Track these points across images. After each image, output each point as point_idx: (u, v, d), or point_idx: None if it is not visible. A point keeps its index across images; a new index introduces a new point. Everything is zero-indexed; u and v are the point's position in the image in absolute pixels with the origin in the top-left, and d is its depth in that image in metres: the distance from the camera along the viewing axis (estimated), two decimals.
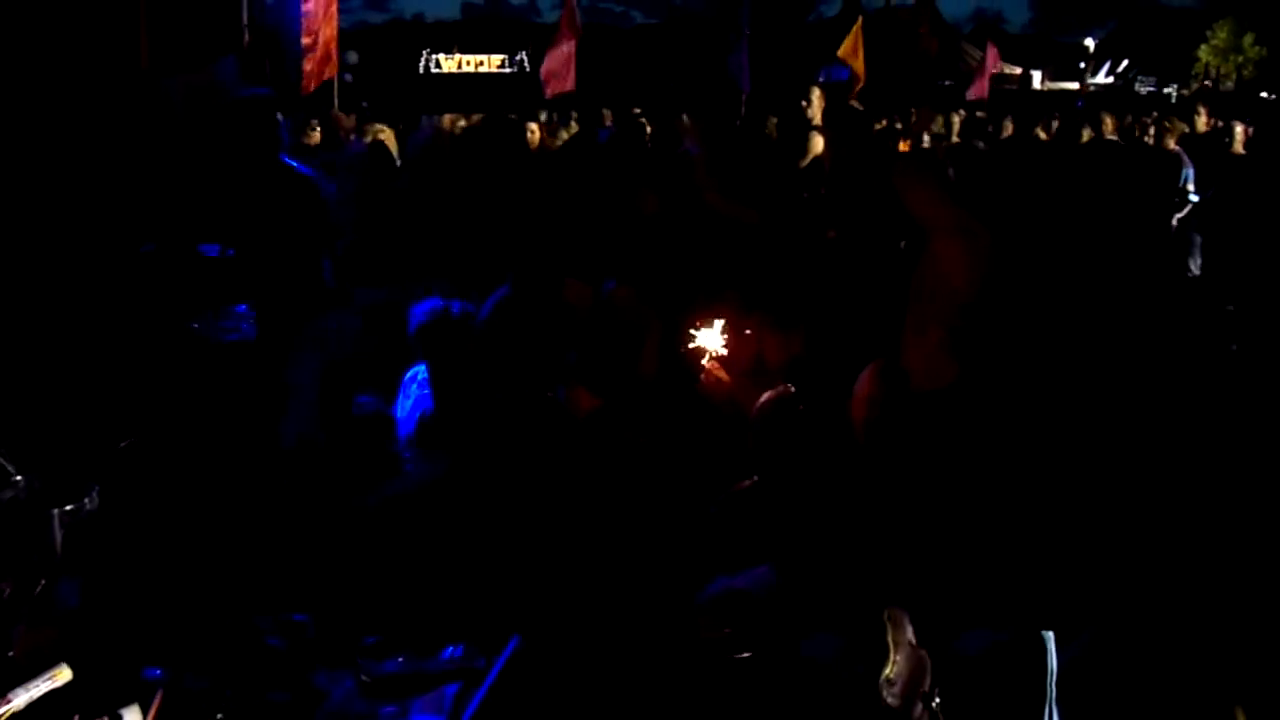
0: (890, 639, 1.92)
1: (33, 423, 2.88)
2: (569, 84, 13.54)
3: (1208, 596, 2.30)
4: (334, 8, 11.51)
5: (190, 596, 2.51)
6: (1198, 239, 8.51)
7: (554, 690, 2.32)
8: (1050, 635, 2.01)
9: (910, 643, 1.96)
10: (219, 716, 2.22)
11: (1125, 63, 37.39)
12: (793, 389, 3.17)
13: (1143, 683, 2.03)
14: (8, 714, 2.23)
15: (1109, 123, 12.70)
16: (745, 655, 2.14)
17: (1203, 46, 34.69)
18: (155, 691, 2.28)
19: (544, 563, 2.75)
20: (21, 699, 2.25)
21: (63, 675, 2.32)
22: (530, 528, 2.91)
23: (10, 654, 2.39)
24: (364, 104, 15.00)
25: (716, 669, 2.16)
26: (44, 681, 2.29)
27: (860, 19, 14.46)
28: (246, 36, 10.15)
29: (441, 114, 14.51)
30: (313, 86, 11.31)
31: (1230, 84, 33.38)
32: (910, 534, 2.48)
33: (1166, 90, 35.24)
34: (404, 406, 4.19)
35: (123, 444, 2.82)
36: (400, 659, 2.38)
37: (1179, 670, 2.05)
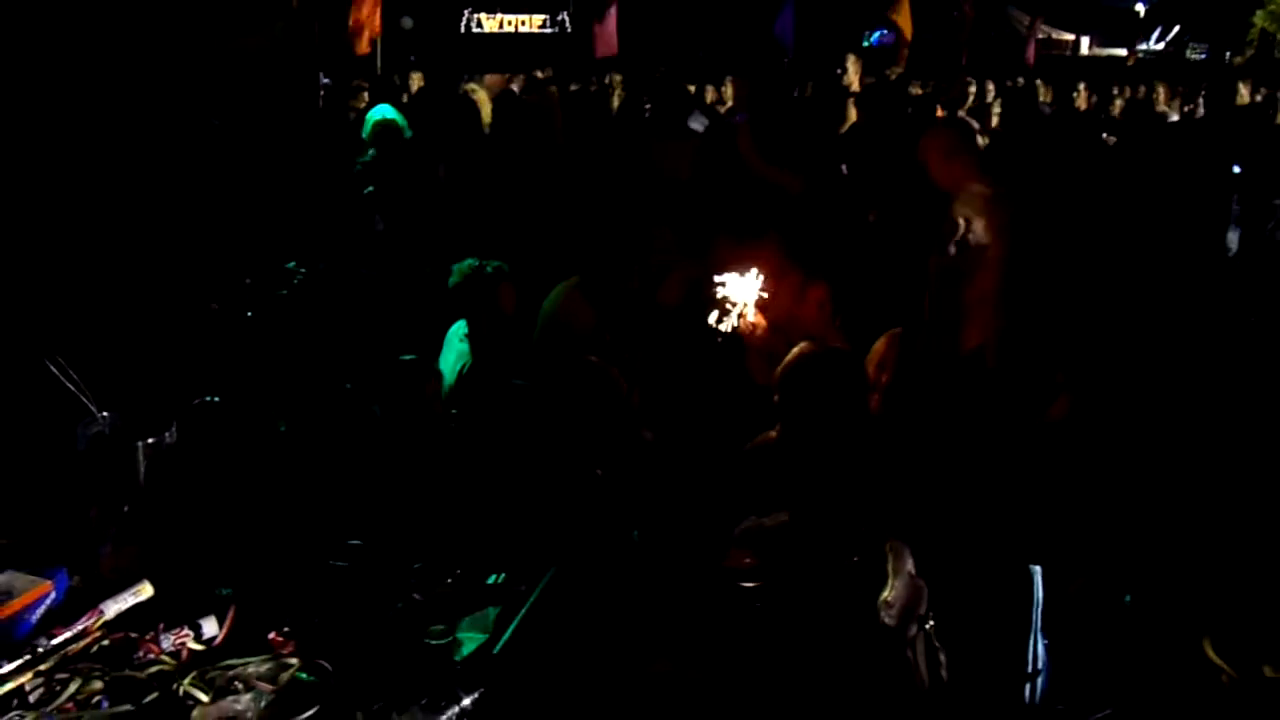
0: (890, 567, 2.13)
1: (116, 365, 3.13)
2: (613, 47, 13.57)
3: (1185, 540, 2.48)
4: None
5: (261, 522, 2.77)
6: (1236, 210, 8.52)
7: (586, 613, 2.56)
8: (1037, 569, 2.21)
9: (910, 572, 2.16)
10: (285, 629, 2.47)
11: (1177, 28, 36.60)
12: (817, 346, 3.35)
13: (1120, 616, 2.23)
14: (99, 623, 2.50)
15: (1161, 92, 12.60)
16: (763, 583, 2.35)
17: (1258, 12, 33.90)
18: (229, 605, 2.54)
19: (578, 500, 2.98)
20: (111, 610, 2.52)
21: (145, 590, 2.60)
22: (564, 470, 3.13)
23: (98, 570, 2.67)
24: (411, 58, 15.11)
25: (738, 596, 2.38)
26: (129, 595, 2.57)
27: None
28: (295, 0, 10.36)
29: (483, 74, 14.63)
30: (365, 48, 11.51)
31: None
32: (916, 480, 2.67)
33: (1224, 57, 34.53)
34: (447, 360, 4.43)
35: (200, 395, 3.07)
36: (449, 581, 2.63)
37: (1153, 605, 2.24)
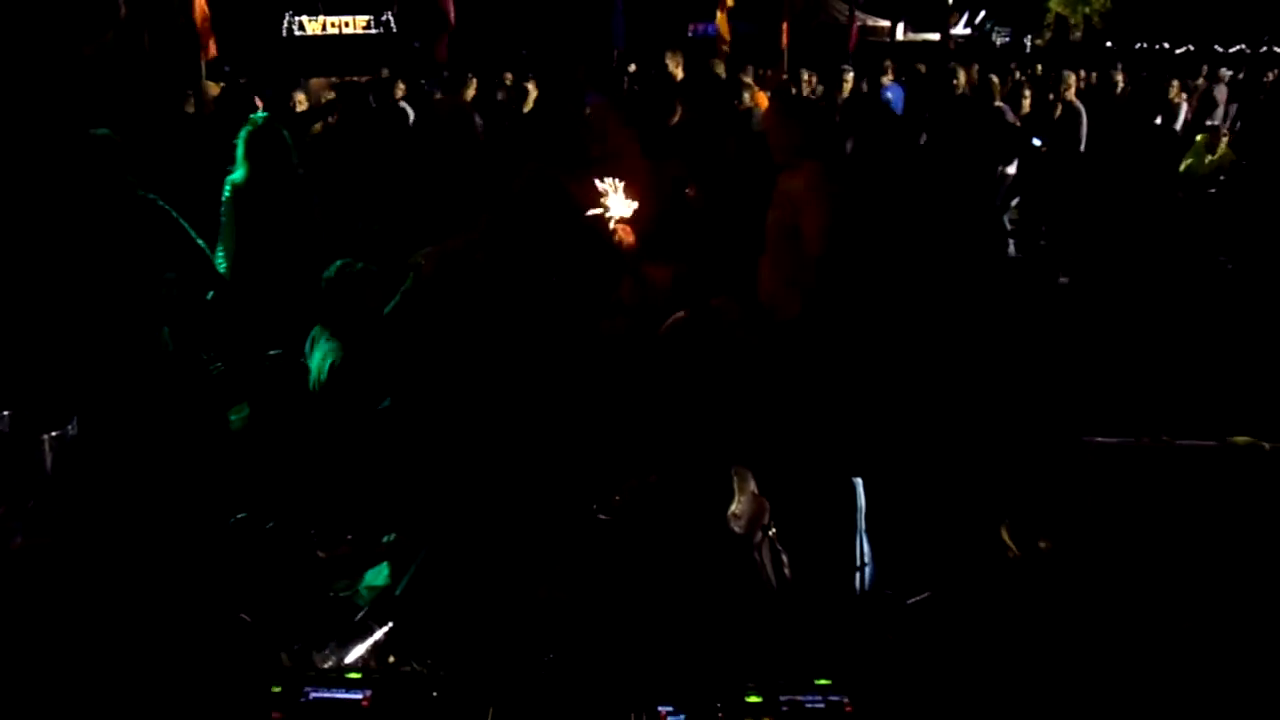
0: (736, 486, 2.51)
1: (14, 364, 3.26)
2: (443, 52, 13.70)
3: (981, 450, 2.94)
4: None
5: (169, 504, 2.97)
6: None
7: (472, 563, 2.86)
8: (859, 480, 2.63)
9: (753, 491, 2.54)
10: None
11: (983, 13, 38.58)
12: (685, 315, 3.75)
13: (923, 510, 2.66)
14: None
15: (962, 77, 13.46)
16: (633, 515, 2.70)
17: None
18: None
19: (462, 465, 3.28)
20: None
21: None
22: (447, 440, 3.42)
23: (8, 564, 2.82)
24: (226, 69, 14.81)
25: (605, 526, 2.72)
26: None
27: None
28: (123, 9, 10.18)
29: (307, 78, 14.50)
30: (214, 52, 11.34)
31: (1079, 34, 34.88)
32: (757, 415, 3.06)
33: (1024, 40, 36.58)
34: (313, 357, 4.65)
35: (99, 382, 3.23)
36: (348, 540, 2.89)
37: (955, 501, 2.68)
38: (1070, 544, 2.38)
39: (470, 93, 9.99)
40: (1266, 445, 2.11)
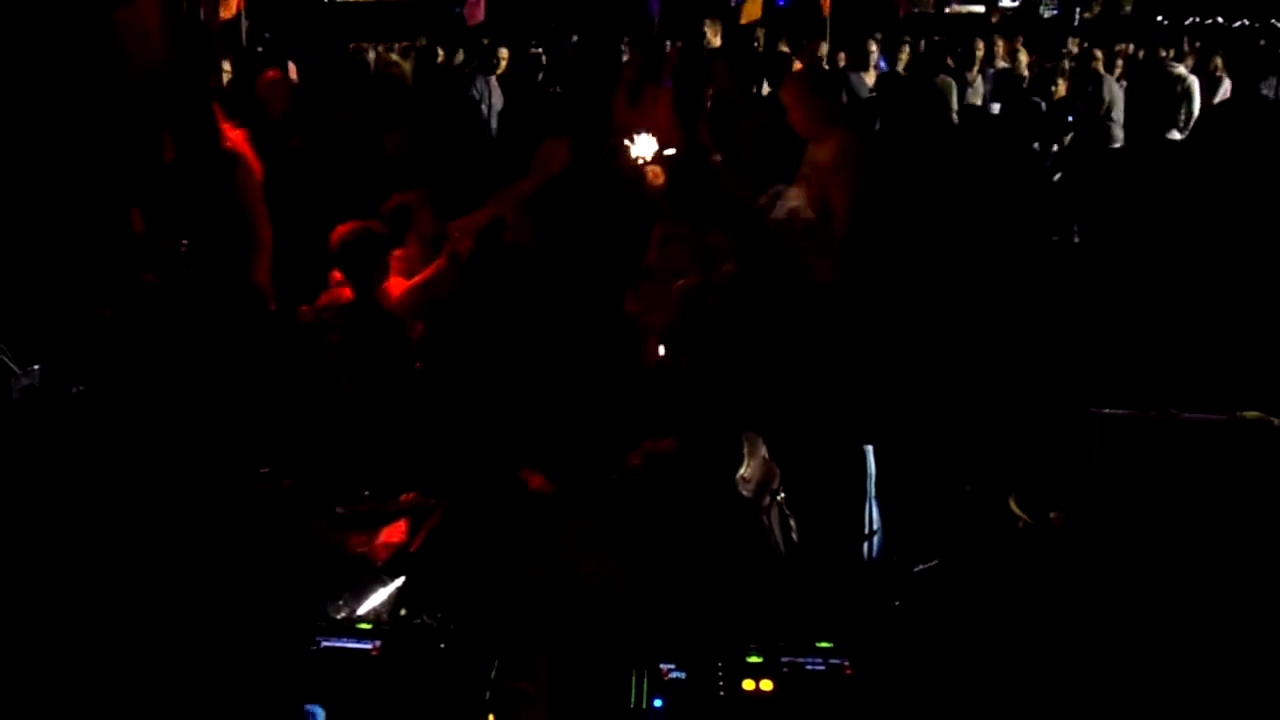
0: (746, 451, 2.53)
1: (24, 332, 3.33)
2: (479, 14, 13.66)
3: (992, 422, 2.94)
4: None
5: (191, 458, 3.04)
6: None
7: (487, 523, 2.91)
8: (869, 447, 2.64)
9: (763, 455, 2.57)
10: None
11: None
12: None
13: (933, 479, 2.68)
14: None
15: (1001, 46, 13.28)
16: (647, 478, 2.73)
17: None
18: None
19: (478, 425, 3.33)
20: None
21: None
22: (469, 402, 3.47)
23: None
24: (266, 35, 14.84)
25: (616, 491, 2.76)
26: None
27: None
28: None
29: (347, 43, 14.51)
30: (231, 12, 11.38)
31: (1129, 8, 34.22)
32: (776, 380, 3.07)
33: (1075, 12, 35.95)
34: None
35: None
36: (366, 496, 2.95)
37: (965, 470, 2.69)
38: (1079, 515, 2.39)
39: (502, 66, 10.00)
40: (1276, 421, 2.10)
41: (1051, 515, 2.50)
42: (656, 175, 4.66)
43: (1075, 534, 2.42)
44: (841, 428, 2.74)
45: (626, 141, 4.75)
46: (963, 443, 2.83)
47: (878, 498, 2.66)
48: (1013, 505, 2.60)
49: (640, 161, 4.67)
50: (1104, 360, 3.11)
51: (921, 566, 2.58)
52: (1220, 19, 30.47)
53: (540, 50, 10.07)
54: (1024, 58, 11.89)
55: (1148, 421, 2.14)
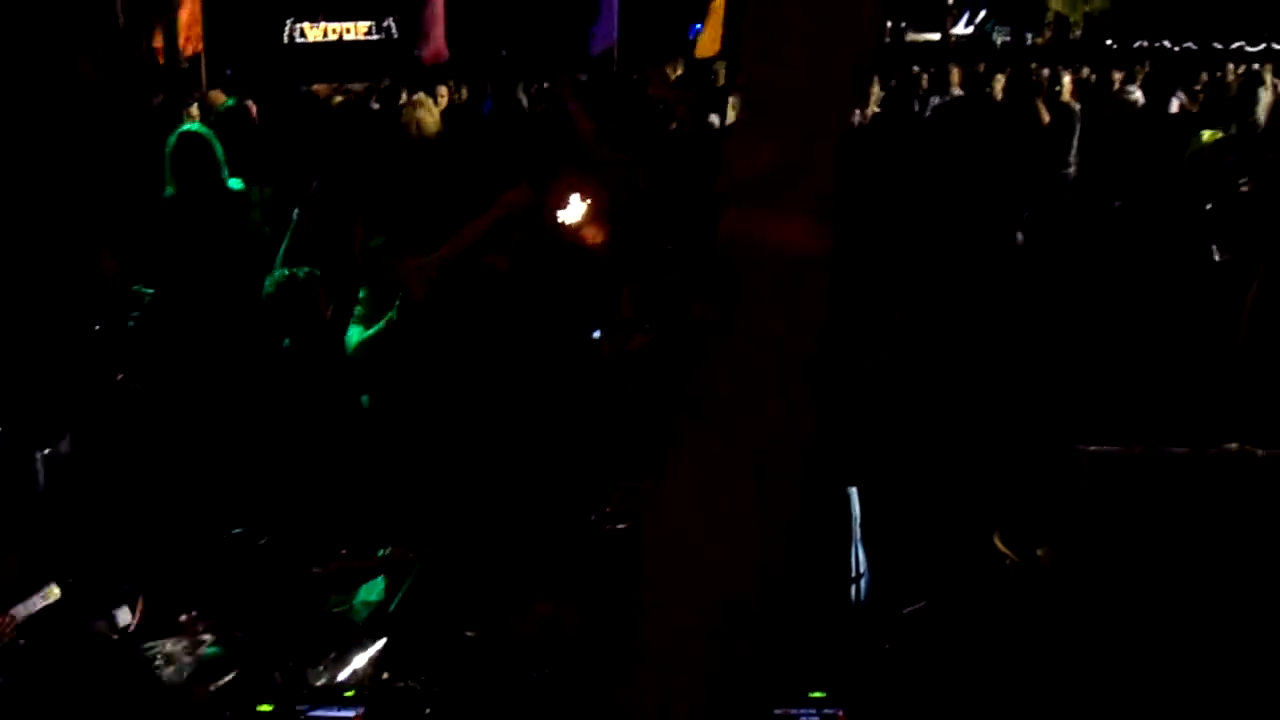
0: None
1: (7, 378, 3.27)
2: (443, 52, 13.63)
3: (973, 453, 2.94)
4: None
5: (161, 520, 2.97)
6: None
7: (466, 577, 2.86)
8: (853, 490, 2.62)
9: None
10: (195, 610, 2.69)
11: (983, 13, 38.55)
12: None
13: (919, 519, 2.65)
14: (12, 625, 2.66)
15: (956, 74, 13.48)
16: (626, 522, 2.69)
17: None
18: (138, 596, 2.74)
19: (453, 479, 3.28)
20: (21, 614, 2.69)
21: (53, 593, 2.77)
22: (441, 450, 3.42)
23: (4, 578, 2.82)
24: (228, 72, 14.79)
25: (608, 538, 2.71)
26: (38, 599, 2.74)
27: None
28: (122, 18, 10.20)
29: (310, 85, 14.46)
30: (188, 53, 11.36)
31: (1079, 32, 34.88)
32: None
33: (1025, 38, 36.60)
34: None
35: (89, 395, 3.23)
36: (342, 555, 2.89)
37: (951, 509, 2.67)
38: (1067, 553, 2.38)
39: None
40: (1260, 452, 2.10)
41: (1039, 553, 2.48)
42: (595, 236, 4.58)
43: (1063, 571, 2.41)
44: (823, 468, 2.72)
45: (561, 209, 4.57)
46: (947, 481, 2.83)
47: (863, 540, 2.64)
48: (998, 543, 2.59)
49: (574, 225, 4.55)
50: (1087, 393, 3.12)
51: (910, 608, 2.55)
52: (1167, 42, 31.11)
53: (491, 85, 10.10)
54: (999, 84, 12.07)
55: (1134, 457, 2.13)
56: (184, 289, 4.82)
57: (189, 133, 5.22)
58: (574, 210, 4.40)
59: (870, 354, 3.18)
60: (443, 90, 10.93)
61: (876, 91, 10.82)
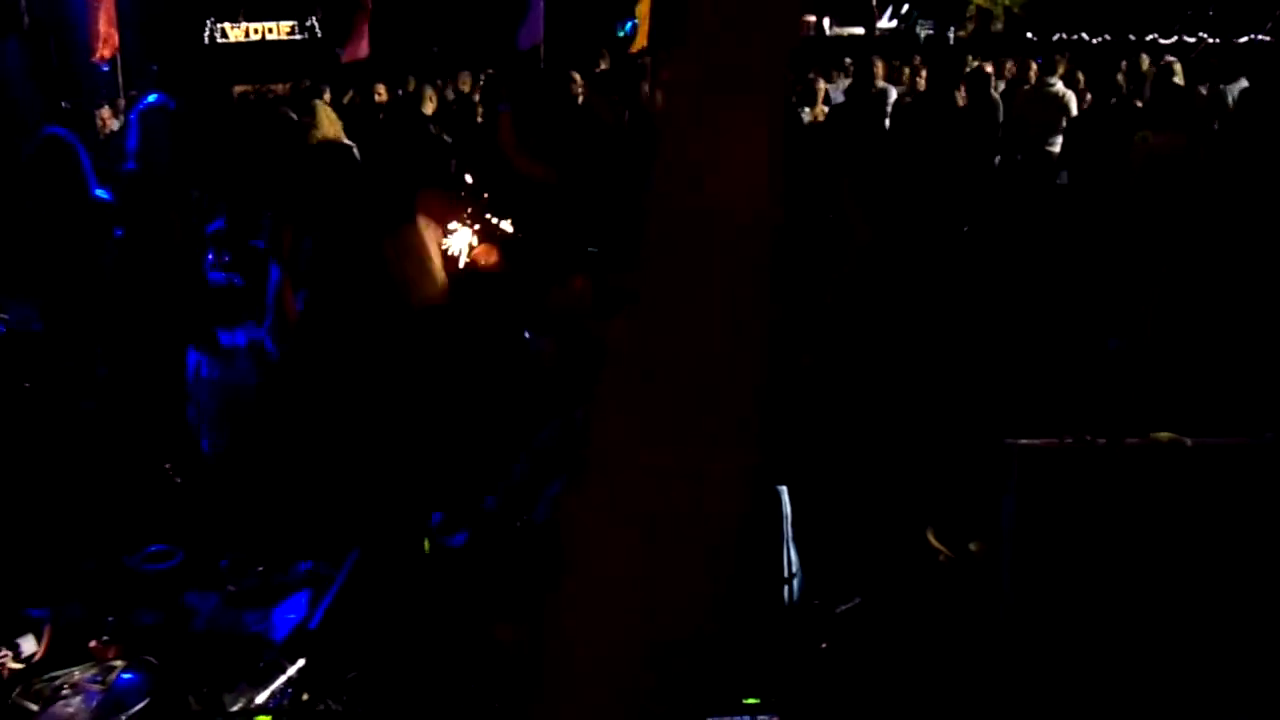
0: None
1: None
2: (363, 50, 13.40)
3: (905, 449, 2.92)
4: None
5: (61, 541, 2.83)
6: None
7: (387, 590, 2.76)
8: (784, 488, 2.58)
9: None
10: (105, 636, 2.56)
11: (906, 6, 38.97)
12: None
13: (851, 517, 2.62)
14: None
15: (880, 67, 13.59)
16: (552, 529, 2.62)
17: None
18: (44, 624, 2.61)
19: (372, 487, 3.18)
20: None
21: None
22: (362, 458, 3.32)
23: None
24: (154, 68, 14.47)
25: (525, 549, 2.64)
26: None
27: None
28: (26, 19, 9.85)
29: (230, 85, 14.15)
30: (105, 55, 11.06)
31: (1000, 25, 35.43)
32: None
33: (949, 33, 37.10)
34: None
35: None
36: (259, 571, 2.78)
37: (881, 507, 2.64)
38: (998, 546, 2.35)
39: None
40: (1189, 441, 2.09)
41: (972, 547, 2.46)
42: (485, 256, 4.45)
43: (995, 565, 2.39)
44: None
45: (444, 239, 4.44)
46: (878, 476, 2.80)
47: (794, 539, 2.60)
48: (931, 539, 2.56)
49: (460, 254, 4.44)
50: (1016, 385, 3.11)
51: (844, 607, 2.52)
52: (1084, 34, 31.75)
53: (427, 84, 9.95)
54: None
55: (1064, 450, 2.11)
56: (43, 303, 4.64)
57: (52, 136, 4.80)
58: (458, 240, 4.33)
59: (799, 347, 3.14)
60: (380, 88, 10.73)
61: (822, 87, 10.81)
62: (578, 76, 8.54)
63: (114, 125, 9.19)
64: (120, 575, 2.77)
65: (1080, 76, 11.56)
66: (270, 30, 37.59)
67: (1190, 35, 27.47)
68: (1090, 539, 2.12)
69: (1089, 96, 11.67)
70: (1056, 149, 9.53)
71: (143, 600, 2.70)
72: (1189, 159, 3.97)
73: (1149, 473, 2.10)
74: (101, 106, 9.23)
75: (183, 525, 2.93)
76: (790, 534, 2.57)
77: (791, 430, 2.78)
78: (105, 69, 11.82)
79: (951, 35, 36.61)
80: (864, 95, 10.52)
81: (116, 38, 11.49)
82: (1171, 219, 3.91)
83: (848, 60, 13.20)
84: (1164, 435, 2.11)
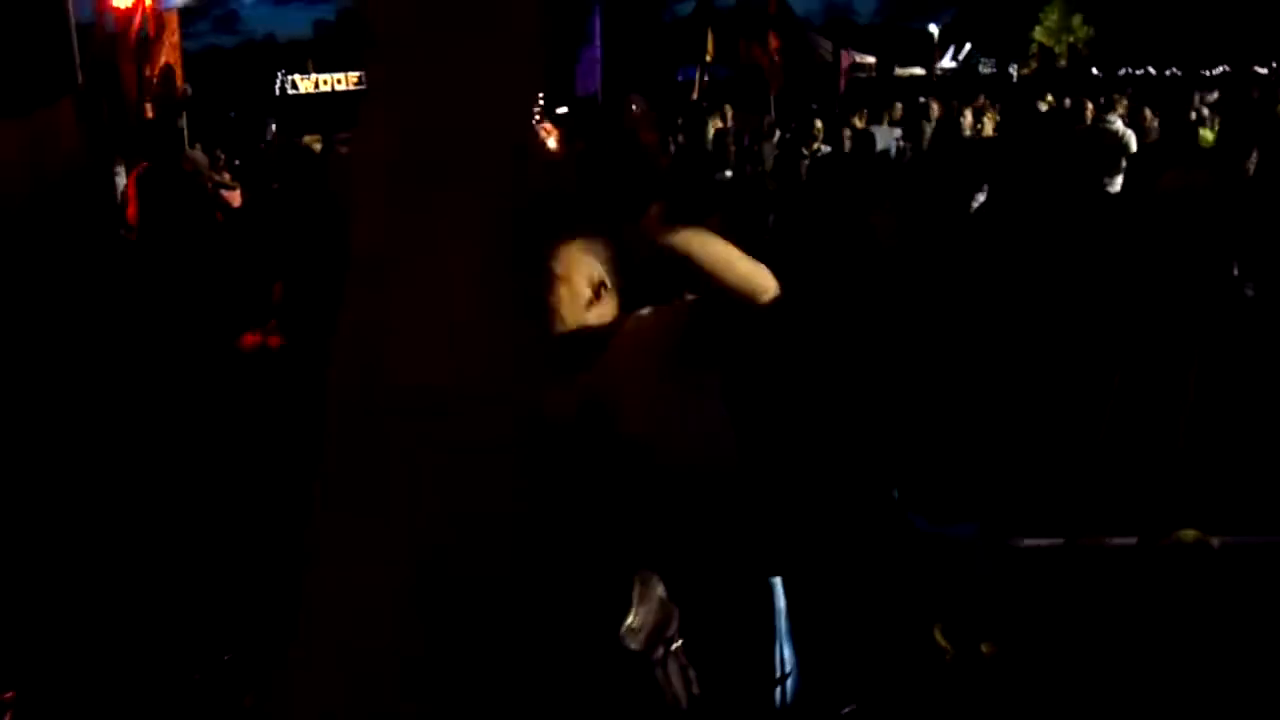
0: (635, 594, 2.25)
1: None
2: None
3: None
4: (176, 37, 11.45)
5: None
6: None
7: None
8: (777, 580, 2.38)
9: (660, 597, 2.29)
10: None
11: (968, 46, 38.78)
12: None
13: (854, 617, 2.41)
14: None
15: (935, 108, 13.43)
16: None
17: (1036, 28, 36.37)
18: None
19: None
20: None
21: None
22: None
23: None
24: (231, 114, 14.85)
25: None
26: None
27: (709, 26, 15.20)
28: (81, 76, 10.04)
29: (300, 136, 14.41)
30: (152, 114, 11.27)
31: (1064, 62, 35.02)
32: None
33: (1010, 70, 36.77)
34: None
35: None
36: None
37: (883, 602, 2.43)
38: (1009, 645, 2.14)
39: None
40: (1215, 541, 1.87)
41: (983, 648, 2.24)
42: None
43: (1006, 665, 2.17)
44: (742, 558, 2.48)
45: None
46: (880, 567, 2.59)
47: (790, 635, 2.40)
48: (939, 636, 2.35)
49: None
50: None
51: (845, 710, 2.31)
52: (1151, 69, 31.17)
53: None
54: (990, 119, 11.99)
55: (1070, 549, 1.91)
56: None
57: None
58: None
59: (797, 432, 2.94)
60: None
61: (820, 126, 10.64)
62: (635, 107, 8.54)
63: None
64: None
65: (1147, 113, 11.24)
66: (339, 81, 38.62)
67: (1263, 66, 26.77)
68: (1096, 639, 1.91)
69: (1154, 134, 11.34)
70: (1116, 188, 9.22)
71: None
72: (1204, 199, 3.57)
73: (1168, 574, 1.88)
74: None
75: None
76: (784, 629, 2.37)
77: (785, 516, 2.59)
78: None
79: (1014, 73, 36.26)
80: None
81: (180, 91, 11.72)
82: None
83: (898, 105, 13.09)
84: (1190, 534, 1.89)
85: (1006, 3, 37.22)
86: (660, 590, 2.32)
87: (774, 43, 16.93)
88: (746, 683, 2.36)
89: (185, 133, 12.38)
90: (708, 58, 14.74)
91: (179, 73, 11.39)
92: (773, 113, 14.37)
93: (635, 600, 2.24)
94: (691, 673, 2.25)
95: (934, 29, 37.46)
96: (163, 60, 11.38)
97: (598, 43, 15.31)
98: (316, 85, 37.24)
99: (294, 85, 37.42)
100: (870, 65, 33.85)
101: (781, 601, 2.38)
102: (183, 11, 14.03)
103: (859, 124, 11.74)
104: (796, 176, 8.30)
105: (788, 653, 2.39)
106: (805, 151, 9.46)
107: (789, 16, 22.03)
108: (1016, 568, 1.98)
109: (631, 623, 2.22)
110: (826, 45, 25.91)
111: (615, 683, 2.16)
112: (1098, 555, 1.92)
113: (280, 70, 37.71)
